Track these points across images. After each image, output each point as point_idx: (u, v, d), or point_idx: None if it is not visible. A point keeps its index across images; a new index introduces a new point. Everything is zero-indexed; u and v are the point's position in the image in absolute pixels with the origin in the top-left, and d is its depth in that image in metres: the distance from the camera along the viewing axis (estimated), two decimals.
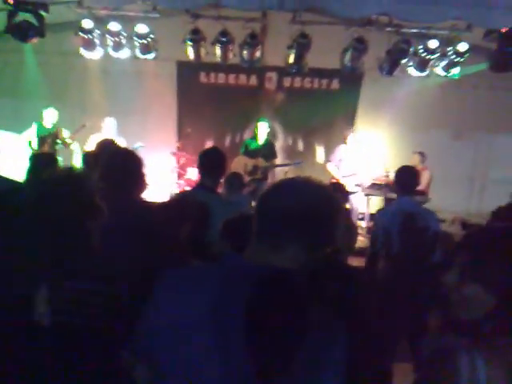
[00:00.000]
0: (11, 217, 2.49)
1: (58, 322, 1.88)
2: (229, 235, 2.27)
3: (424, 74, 7.35)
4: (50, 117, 7.52)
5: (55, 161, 4.39)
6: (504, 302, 1.41)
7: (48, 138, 7.46)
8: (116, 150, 3.71)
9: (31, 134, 7.47)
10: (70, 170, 2.32)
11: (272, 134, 8.44)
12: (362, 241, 6.21)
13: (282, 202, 1.31)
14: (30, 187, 3.68)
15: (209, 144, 8.65)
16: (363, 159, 7.59)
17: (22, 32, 5.90)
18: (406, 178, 4.20)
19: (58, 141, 7.48)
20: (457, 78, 7.38)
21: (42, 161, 4.18)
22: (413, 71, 7.32)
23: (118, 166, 3.05)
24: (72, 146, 7.61)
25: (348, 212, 2.74)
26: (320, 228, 1.33)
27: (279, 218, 1.30)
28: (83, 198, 2.03)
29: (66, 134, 7.58)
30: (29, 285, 2.07)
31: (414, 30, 6.80)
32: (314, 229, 1.32)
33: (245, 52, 6.85)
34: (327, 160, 7.95)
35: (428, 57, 6.98)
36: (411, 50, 6.82)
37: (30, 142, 7.37)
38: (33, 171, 3.99)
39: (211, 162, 3.60)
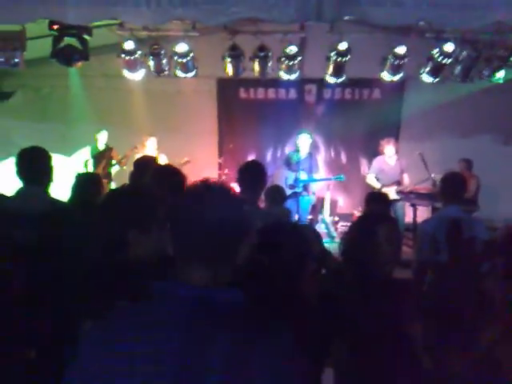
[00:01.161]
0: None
1: None
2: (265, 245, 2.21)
3: (467, 80, 7.16)
4: (102, 139, 7.80)
5: (99, 180, 4.49)
6: None
7: (102, 159, 7.70)
8: (158, 167, 3.75)
9: (86, 156, 7.74)
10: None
11: (314, 147, 8.38)
12: (407, 252, 6.03)
13: (206, 217, 1.26)
14: (74, 206, 3.78)
15: (250, 159, 8.67)
16: (405, 168, 7.46)
17: (66, 56, 6.06)
18: (452, 185, 4.05)
19: (113, 161, 7.71)
20: (502, 82, 7.15)
21: (87, 180, 4.29)
22: (455, 78, 7.14)
23: (162, 182, 3.08)
24: (126, 167, 7.82)
25: (393, 222, 2.64)
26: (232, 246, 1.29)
27: (203, 234, 1.25)
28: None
29: (118, 154, 7.82)
30: None
31: (455, 35, 6.64)
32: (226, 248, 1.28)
33: (283, 66, 6.84)
34: (367, 172, 7.85)
35: (470, 62, 6.80)
36: (453, 55, 6.67)
37: (85, 163, 7.62)
38: (77, 190, 4.10)
39: (251, 176, 3.58)
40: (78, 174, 4.56)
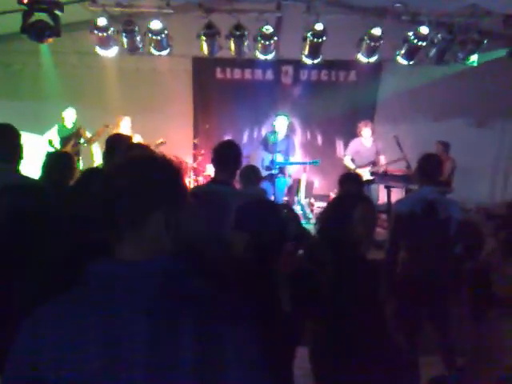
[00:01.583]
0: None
1: None
2: (243, 222, 2.19)
3: (442, 62, 7.21)
4: (69, 117, 7.60)
5: (71, 160, 4.39)
6: None
7: (71, 138, 7.53)
8: (130, 145, 3.69)
9: (53, 135, 7.55)
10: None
11: (290, 129, 8.36)
12: (381, 233, 6.10)
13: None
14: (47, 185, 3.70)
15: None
16: (380, 150, 7.53)
17: (37, 32, 5.91)
18: (429, 166, 4.06)
19: (81, 140, 7.54)
20: (476, 65, 7.22)
21: (58, 160, 4.19)
22: (430, 60, 7.19)
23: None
24: (94, 146, 7.68)
25: (369, 202, 2.64)
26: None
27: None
28: None
29: (88, 133, 7.65)
30: None
31: (430, 18, 6.67)
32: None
33: (259, 45, 6.79)
34: (344, 154, 7.89)
35: (445, 45, 6.84)
36: (429, 38, 6.70)
37: (50, 142, 7.44)
38: (47, 169, 4.01)
39: (225, 156, 3.54)
40: (49, 153, 4.46)
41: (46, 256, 2.23)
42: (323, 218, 2.63)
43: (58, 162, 4.10)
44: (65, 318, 1.16)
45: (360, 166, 7.44)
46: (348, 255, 2.36)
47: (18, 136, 3.33)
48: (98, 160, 7.66)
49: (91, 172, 3.08)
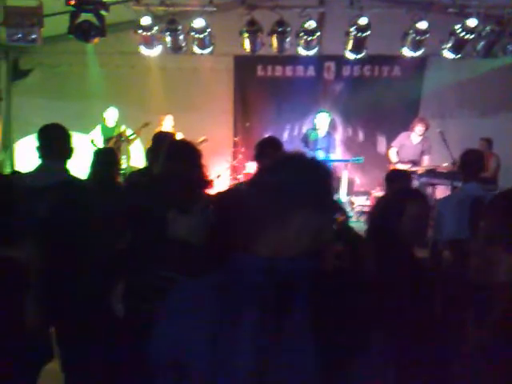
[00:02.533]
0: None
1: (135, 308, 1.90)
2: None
3: (490, 55, 7.00)
4: (111, 117, 7.75)
5: (117, 157, 4.48)
6: None
7: (113, 138, 7.68)
8: (174, 141, 3.72)
9: (95, 134, 7.73)
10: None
11: (331, 126, 8.29)
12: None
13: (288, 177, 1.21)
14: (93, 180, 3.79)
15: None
16: (427, 150, 7.37)
17: (84, 32, 6.06)
18: (471, 161, 4.00)
19: (122, 138, 7.68)
20: None
21: (105, 157, 4.28)
22: (478, 53, 6.98)
23: (179, 156, 3.04)
24: (135, 143, 7.80)
25: (423, 198, 2.58)
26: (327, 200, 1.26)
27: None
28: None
29: (129, 132, 7.80)
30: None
31: (479, 10, 6.47)
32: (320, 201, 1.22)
33: (302, 41, 6.74)
34: (389, 146, 7.76)
35: (493, 38, 6.63)
36: (476, 31, 6.51)
37: (92, 141, 7.60)
38: (95, 166, 4.11)
39: (267, 151, 3.53)
40: (97, 151, 4.57)
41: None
42: (376, 211, 2.58)
43: (105, 159, 4.19)
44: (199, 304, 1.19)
45: (402, 162, 7.32)
46: (398, 252, 2.31)
47: (68, 136, 3.41)
48: (136, 158, 7.82)
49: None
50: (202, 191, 2.14)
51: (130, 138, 7.68)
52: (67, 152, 3.39)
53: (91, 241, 2.44)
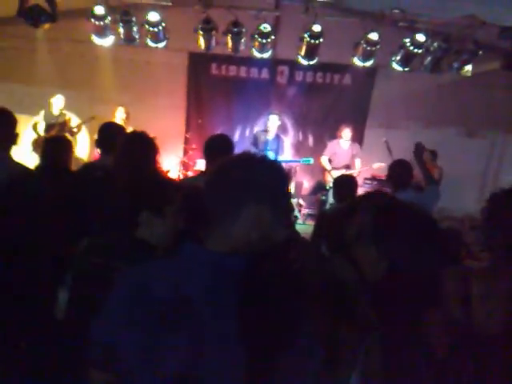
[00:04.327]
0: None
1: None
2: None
3: (436, 71, 7.26)
4: (57, 104, 7.56)
5: (71, 146, 4.35)
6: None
7: (55, 126, 7.49)
8: (131, 135, 3.64)
9: (38, 120, 7.52)
10: None
11: (282, 129, 8.38)
12: None
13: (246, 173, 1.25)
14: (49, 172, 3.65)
15: None
16: (357, 154, 7.73)
17: (34, 16, 5.88)
18: (400, 171, 4.19)
19: (66, 128, 7.50)
20: (470, 75, 7.28)
21: (58, 145, 4.13)
22: (425, 68, 7.23)
23: (136, 151, 3.01)
24: (78, 136, 7.64)
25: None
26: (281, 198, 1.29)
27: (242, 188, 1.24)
28: None
29: (74, 123, 7.62)
30: None
31: (427, 26, 6.70)
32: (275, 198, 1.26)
33: (256, 43, 6.78)
34: (322, 154, 8.01)
35: (440, 54, 6.88)
36: (425, 46, 6.73)
37: (34, 126, 7.40)
38: (48, 154, 3.95)
39: (217, 149, 3.52)
40: (49, 138, 4.44)
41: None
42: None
43: (62, 148, 4.05)
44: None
45: (335, 168, 7.62)
46: None
47: (14, 122, 3.29)
48: (81, 150, 7.67)
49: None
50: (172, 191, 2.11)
51: (73, 129, 7.52)
52: (11, 138, 3.27)
53: (39, 234, 2.37)
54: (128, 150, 3.10)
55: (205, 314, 1.15)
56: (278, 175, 1.29)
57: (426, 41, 6.67)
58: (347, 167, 7.72)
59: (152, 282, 1.21)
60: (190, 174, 8.07)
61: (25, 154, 6.66)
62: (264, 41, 6.70)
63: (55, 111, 7.55)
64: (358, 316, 1.60)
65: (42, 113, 7.55)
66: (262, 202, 1.22)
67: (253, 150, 7.49)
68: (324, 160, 7.94)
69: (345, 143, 7.84)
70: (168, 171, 7.71)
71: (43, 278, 2.28)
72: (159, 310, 1.16)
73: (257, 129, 8.47)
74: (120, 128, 4.30)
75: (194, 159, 8.21)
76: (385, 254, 1.61)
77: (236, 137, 8.99)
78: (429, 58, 7.01)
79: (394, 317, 1.61)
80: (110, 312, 1.23)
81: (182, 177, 8.00)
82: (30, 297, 2.17)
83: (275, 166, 1.30)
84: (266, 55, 7.10)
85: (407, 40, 6.74)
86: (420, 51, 6.79)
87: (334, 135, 8.11)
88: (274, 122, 7.70)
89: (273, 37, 6.72)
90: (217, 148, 3.52)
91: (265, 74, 8.86)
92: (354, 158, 7.86)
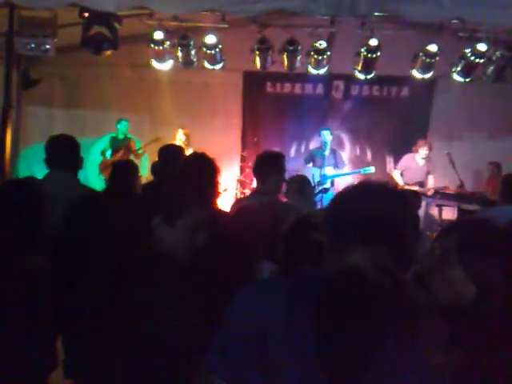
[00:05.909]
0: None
1: None
2: None
3: (499, 80, 7.00)
4: (122, 128, 7.81)
5: (137, 170, 4.49)
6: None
7: (121, 149, 7.73)
8: (192, 156, 3.68)
9: (105, 145, 7.78)
10: None
11: (338, 144, 8.30)
12: None
13: (359, 205, 1.24)
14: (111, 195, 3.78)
15: None
16: (433, 170, 7.38)
17: (96, 44, 6.08)
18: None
19: (131, 151, 7.74)
20: None
21: (123, 169, 4.28)
22: (488, 78, 6.99)
23: (193, 172, 3.03)
24: (142, 158, 7.84)
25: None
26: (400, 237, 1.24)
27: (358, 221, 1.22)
28: None
29: (137, 145, 7.85)
30: None
31: (489, 35, 6.48)
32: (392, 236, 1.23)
33: (312, 60, 6.77)
34: (394, 167, 7.79)
35: (503, 63, 6.64)
36: (487, 55, 6.52)
37: (102, 151, 7.64)
38: (115, 178, 4.11)
39: (265, 167, 3.53)
40: (116, 163, 4.60)
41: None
42: None
43: (129, 172, 4.20)
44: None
45: (407, 184, 7.35)
46: None
47: (78, 147, 3.43)
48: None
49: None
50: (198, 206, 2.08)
51: (138, 152, 7.73)
52: (75, 163, 3.41)
53: (104, 252, 2.42)
54: (190, 172, 3.13)
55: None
56: (405, 210, 1.28)
57: (487, 50, 6.45)
58: (420, 184, 7.44)
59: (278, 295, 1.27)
60: (247, 191, 8.11)
61: (91, 178, 6.93)
62: (320, 57, 6.68)
63: (120, 135, 7.82)
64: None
65: (108, 138, 7.82)
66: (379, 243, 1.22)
67: (310, 167, 7.47)
68: (396, 174, 7.68)
69: (420, 159, 7.55)
70: (225, 189, 7.80)
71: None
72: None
73: (312, 146, 8.44)
74: (180, 150, 4.39)
75: (250, 177, 8.24)
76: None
77: (292, 153, 8.99)
78: (491, 68, 6.76)
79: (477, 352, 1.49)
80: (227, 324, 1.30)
81: (239, 195, 8.05)
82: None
83: (402, 199, 1.30)
84: (322, 71, 7.07)
85: (468, 50, 6.54)
86: (482, 61, 6.56)
87: (403, 150, 7.87)
88: (326, 137, 7.65)
89: (328, 53, 6.68)
90: (263, 166, 3.52)
91: (320, 89, 8.83)
92: (429, 174, 7.55)
